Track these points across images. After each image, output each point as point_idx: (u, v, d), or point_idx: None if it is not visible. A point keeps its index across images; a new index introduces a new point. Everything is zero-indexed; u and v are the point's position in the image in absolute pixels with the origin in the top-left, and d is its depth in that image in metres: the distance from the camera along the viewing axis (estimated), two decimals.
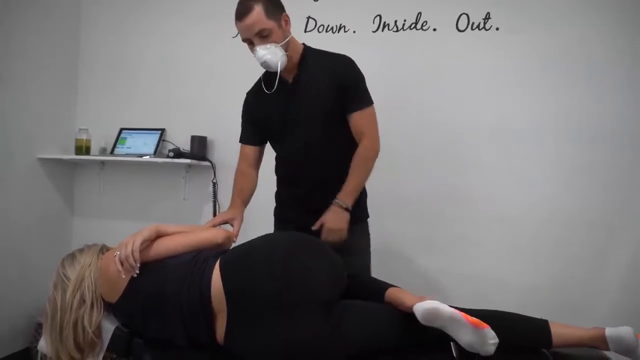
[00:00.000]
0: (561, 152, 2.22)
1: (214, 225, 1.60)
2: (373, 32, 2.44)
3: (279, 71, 1.58)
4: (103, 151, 2.69)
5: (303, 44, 1.71)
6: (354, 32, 2.46)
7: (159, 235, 1.37)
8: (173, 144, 2.60)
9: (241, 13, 1.51)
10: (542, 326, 1.33)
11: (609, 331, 1.29)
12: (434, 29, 2.37)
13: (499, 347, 1.24)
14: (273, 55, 1.54)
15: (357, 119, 1.63)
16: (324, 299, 1.26)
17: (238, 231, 1.60)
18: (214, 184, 2.56)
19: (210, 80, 2.64)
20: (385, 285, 1.43)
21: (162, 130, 2.66)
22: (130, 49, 2.77)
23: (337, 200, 1.57)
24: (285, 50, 1.57)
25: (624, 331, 1.27)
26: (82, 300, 1.32)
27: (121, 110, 2.76)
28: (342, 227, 1.55)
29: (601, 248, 2.18)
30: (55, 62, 2.65)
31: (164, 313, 1.28)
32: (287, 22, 1.60)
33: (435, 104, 2.36)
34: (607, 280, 2.16)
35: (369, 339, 1.30)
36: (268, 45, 1.53)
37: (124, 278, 1.29)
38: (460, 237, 2.32)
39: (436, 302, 1.25)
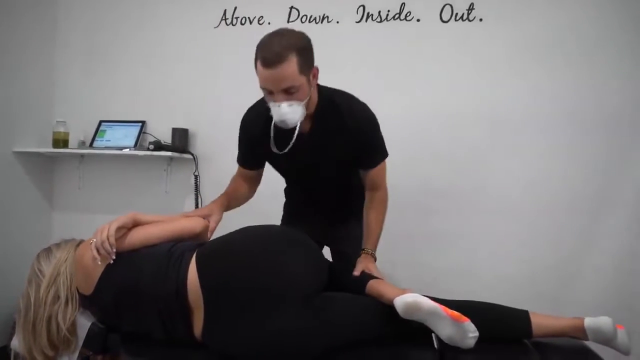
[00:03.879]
0: (547, 140, 2.24)
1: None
2: (357, 22, 2.42)
3: (296, 132, 1.43)
4: (82, 144, 2.63)
5: (317, 86, 1.51)
6: (337, 22, 2.43)
7: (136, 224, 1.34)
8: (154, 137, 2.56)
9: (271, 61, 1.28)
10: (522, 317, 1.34)
11: (587, 322, 1.30)
12: (418, 20, 2.35)
13: (480, 338, 1.24)
14: (294, 114, 1.36)
15: (372, 174, 1.59)
16: (303, 291, 1.24)
17: (214, 228, 1.53)
18: (196, 177, 2.53)
19: (192, 72, 2.59)
20: (367, 277, 1.42)
21: (143, 123, 2.61)
22: (110, 39, 2.70)
23: (367, 250, 1.60)
24: (306, 106, 1.40)
25: (603, 322, 1.28)
26: (57, 296, 1.29)
27: (100, 102, 2.69)
28: (371, 269, 1.53)
29: (586, 236, 2.19)
30: (31, 52, 2.57)
31: (139, 307, 1.25)
32: (316, 75, 1.43)
33: (420, 95, 2.35)
34: (591, 268, 2.17)
35: (351, 330, 1.29)
36: (292, 103, 1.34)
37: (99, 267, 1.26)
38: (442, 230, 2.33)
39: (416, 295, 1.24)
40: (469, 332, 1.22)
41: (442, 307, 1.22)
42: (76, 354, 1.31)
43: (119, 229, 1.28)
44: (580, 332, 1.31)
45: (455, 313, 1.21)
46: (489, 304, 1.37)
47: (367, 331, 1.31)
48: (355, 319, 1.30)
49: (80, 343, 1.31)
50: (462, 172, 2.32)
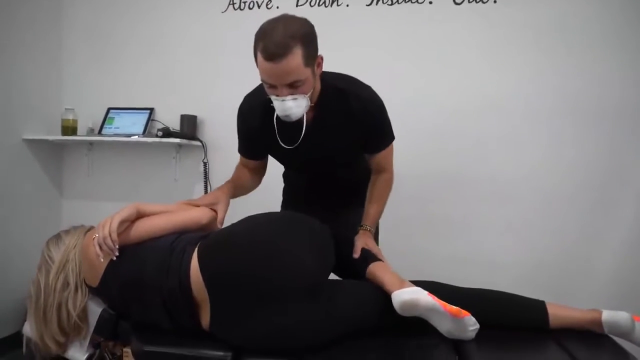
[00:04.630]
0: (560, 127, 2.20)
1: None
2: (367, 5, 2.36)
3: (304, 127, 1.37)
4: (90, 131, 2.63)
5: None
6: (347, 5, 2.38)
7: (140, 215, 1.30)
8: (162, 124, 2.54)
9: (274, 53, 1.18)
10: (539, 307, 1.32)
11: (605, 316, 1.28)
12: (430, 2, 2.30)
13: (495, 327, 1.22)
14: (298, 108, 1.29)
15: (379, 157, 1.55)
16: (306, 281, 1.21)
17: (223, 218, 1.45)
18: (205, 164, 2.51)
19: (200, 58, 2.56)
20: (368, 260, 1.40)
21: (151, 110, 2.59)
22: (117, 25, 2.67)
23: (365, 226, 1.57)
24: (310, 97, 1.32)
25: (621, 317, 1.26)
26: (66, 283, 1.28)
27: (108, 89, 2.68)
28: (369, 244, 1.52)
29: (589, 228, 2.17)
30: (38, 40, 2.56)
31: (145, 300, 1.23)
32: (320, 65, 1.33)
33: (430, 80, 2.31)
34: (594, 261, 2.15)
35: (351, 323, 1.26)
36: (296, 96, 1.26)
37: (103, 262, 1.23)
38: (445, 218, 2.31)
39: (413, 290, 1.21)
40: (468, 326, 1.20)
41: (440, 302, 1.18)
42: (87, 340, 1.31)
43: (122, 222, 1.23)
44: (596, 325, 1.29)
45: (454, 308, 1.18)
46: (506, 293, 1.35)
47: (367, 322, 1.29)
48: (356, 312, 1.28)
49: (91, 329, 1.30)
50: (466, 161, 2.29)
